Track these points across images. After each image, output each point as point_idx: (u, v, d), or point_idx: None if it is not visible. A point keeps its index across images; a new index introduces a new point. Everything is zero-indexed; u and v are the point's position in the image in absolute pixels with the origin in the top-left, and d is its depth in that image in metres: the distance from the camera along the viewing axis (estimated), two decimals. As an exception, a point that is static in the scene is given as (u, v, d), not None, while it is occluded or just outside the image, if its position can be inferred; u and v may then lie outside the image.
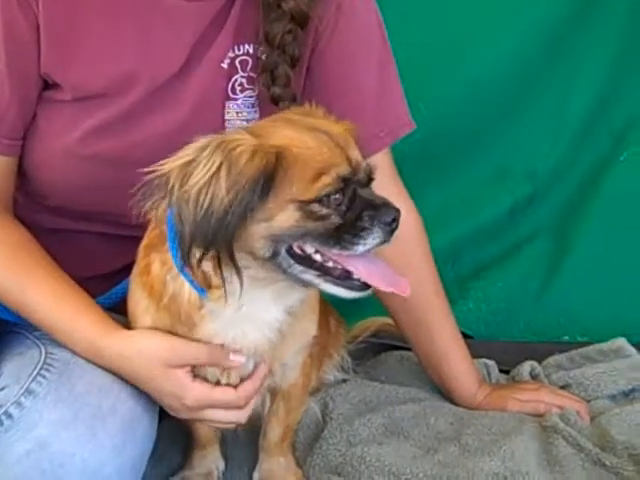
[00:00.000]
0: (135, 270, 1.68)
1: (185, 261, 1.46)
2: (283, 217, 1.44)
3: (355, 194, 1.48)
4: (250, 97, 1.84)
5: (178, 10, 1.77)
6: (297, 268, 1.48)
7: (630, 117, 2.89)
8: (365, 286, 1.52)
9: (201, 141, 1.45)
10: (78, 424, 1.56)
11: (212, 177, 1.40)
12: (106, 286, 1.81)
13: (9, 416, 1.57)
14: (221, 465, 1.94)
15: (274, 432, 1.88)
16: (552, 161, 2.93)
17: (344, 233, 1.46)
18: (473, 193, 2.91)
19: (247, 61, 1.82)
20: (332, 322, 2.19)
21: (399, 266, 2.02)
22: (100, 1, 1.73)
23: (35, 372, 1.63)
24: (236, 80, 1.83)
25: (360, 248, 1.47)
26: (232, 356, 1.62)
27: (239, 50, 1.82)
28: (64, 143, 1.77)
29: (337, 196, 1.46)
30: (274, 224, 1.44)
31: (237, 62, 1.82)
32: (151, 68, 1.76)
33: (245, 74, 1.82)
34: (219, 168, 1.40)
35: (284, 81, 1.78)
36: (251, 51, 1.82)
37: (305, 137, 1.47)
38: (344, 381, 2.23)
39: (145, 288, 1.64)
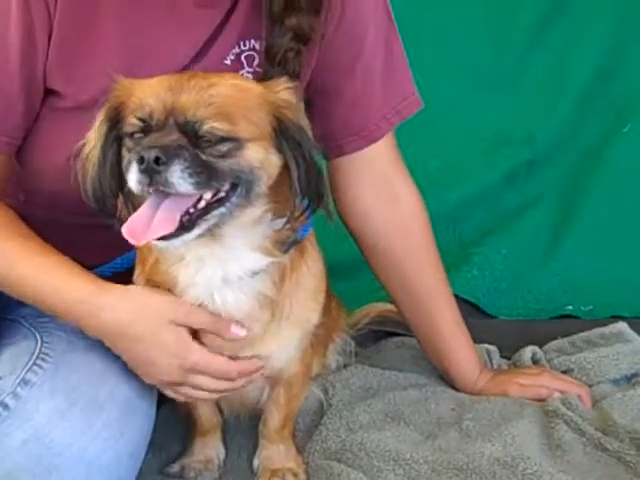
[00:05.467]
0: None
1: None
2: (124, 149, 1.54)
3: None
4: None
5: (188, 16, 1.72)
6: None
7: (633, 89, 2.90)
8: None
9: None
10: (75, 413, 1.56)
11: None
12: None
13: (5, 407, 1.56)
14: (222, 452, 1.93)
15: (274, 419, 1.87)
16: (552, 128, 2.94)
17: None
18: (472, 159, 2.91)
19: (253, 56, 1.79)
20: (333, 305, 2.17)
21: (399, 249, 2.04)
22: (115, 7, 1.68)
23: (31, 362, 1.63)
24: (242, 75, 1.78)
25: (131, 184, 1.45)
26: (233, 327, 1.60)
27: (244, 46, 1.78)
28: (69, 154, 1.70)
29: (141, 135, 1.48)
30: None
31: (243, 57, 1.79)
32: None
33: (251, 69, 1.79)
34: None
35: None
36: (257, 47, 1.79)
37: (159, 79, 1.52)
38: (345, 367, 2.22)
39: (139, 256, 1.69)
